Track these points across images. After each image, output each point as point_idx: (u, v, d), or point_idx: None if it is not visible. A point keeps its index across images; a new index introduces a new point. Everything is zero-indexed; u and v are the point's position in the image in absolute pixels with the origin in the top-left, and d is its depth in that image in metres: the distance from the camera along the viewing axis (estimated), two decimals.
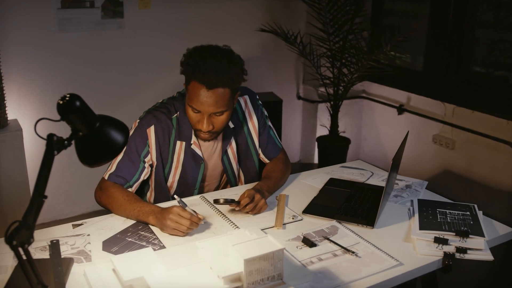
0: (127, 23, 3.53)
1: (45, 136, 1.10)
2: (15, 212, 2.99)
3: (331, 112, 4.07)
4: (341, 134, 4.23)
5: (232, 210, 1.89)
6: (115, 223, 1.81)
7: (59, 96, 1.13)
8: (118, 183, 1.92)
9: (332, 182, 2.19)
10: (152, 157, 1.97)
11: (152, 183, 2.08)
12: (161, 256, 1.54)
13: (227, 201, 1.84)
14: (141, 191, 2.15)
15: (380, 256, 1.60)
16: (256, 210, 1.85)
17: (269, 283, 1.39)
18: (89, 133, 1.15)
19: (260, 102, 2.16)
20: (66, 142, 1.12)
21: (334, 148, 4.09)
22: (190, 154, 2.02)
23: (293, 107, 4.55)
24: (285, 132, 4.46)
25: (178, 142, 1.99)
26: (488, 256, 1.61)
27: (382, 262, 1.57)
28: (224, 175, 2.16)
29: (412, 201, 2.00)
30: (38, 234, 1.73)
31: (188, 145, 2.00)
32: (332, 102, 4.03)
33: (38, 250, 1.62)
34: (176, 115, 1.98)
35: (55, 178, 3.47)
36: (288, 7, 4.16)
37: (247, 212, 1.86)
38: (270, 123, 2.20)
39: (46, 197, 1.10)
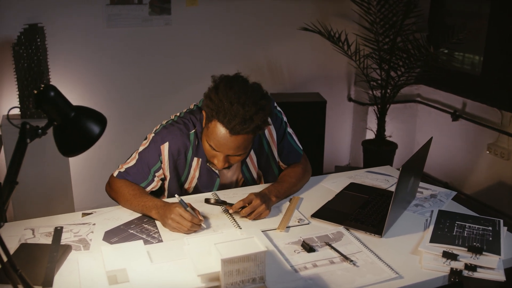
0: (174, 20, 3.59)
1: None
2: (58, 198, 3.14)
3: (378, 115, 3.92)
4: (388, 138, 4.06)
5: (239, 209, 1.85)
6: (122, 214, 1.84)
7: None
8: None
9: (351, 187, 2.10)
10: (164, 171, 1.92)
11: (166, 191, 2.04)
12: (150, 250, 1.54)
13: (218, 202, 1.81)
14: (154, 193, 2.14)
15: (379, 267, 1.51)
16: (253, 216, 1.77)
17: (250, 286, 1.35)
18: (64, 123, 1.17)
19: (278, 108, 2.06)
20: (40, 131, 1.14)
21: (380, 153, 3.95)
22: (205, 170, 1.96)
23: (343, 109, 4.43)
24: (333, 134, 4.36)
25: (195, 159, 1.94)
26: (499, 276, 1.47)
27: (380, 273, 1.48)
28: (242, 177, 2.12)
29: (432, 211, 1.88)
30: (47, 220, 1.80)
31: (205, 161, 1.94)
32: (379, 105, 3.89)
33: (43, 235, 1.68)
34: (194, 130, 1.91)
35: (98, 167, 3.60)
36: (338, 6, 4.05)
37: (246, 217, 1.79)
38: (289, 129, 2.10)
39: (17, 183, 1.12)
